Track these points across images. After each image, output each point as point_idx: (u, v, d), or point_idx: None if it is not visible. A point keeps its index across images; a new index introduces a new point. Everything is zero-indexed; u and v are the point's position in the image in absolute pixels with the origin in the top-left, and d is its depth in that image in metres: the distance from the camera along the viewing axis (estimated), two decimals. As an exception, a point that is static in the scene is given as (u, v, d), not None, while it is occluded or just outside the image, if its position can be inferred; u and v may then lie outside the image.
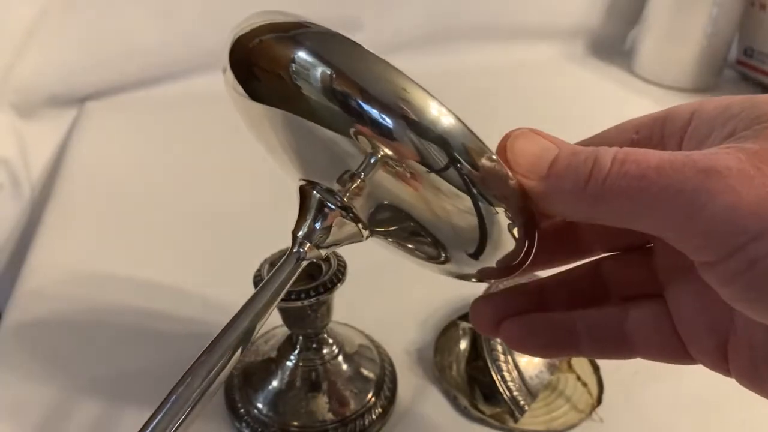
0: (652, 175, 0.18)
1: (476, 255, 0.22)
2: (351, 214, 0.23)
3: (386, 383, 0.36)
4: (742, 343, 0.22)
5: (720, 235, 0.17)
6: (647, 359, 0.25)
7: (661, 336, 0.24)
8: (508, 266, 0.22)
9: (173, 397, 0.21)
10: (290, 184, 0.24)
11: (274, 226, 0.50)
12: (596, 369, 0.38)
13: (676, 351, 0.24)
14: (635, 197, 0.18)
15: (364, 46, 0.19)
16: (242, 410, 0.35)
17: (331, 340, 0.35)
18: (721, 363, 0.23)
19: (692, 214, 0.17)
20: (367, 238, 0.24)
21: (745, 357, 0.22)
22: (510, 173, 0.20)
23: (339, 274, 0.32)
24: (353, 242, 0.24)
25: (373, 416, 0.34)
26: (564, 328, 0.25)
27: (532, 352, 0.27)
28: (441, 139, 0.19)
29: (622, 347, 0.25)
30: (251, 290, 0.32)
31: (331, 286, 0.31)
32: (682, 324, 0.24)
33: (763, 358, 0.21)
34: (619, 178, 0.18)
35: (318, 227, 0.23)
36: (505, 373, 0.35)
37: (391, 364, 0.38)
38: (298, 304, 0.31)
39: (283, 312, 0.33)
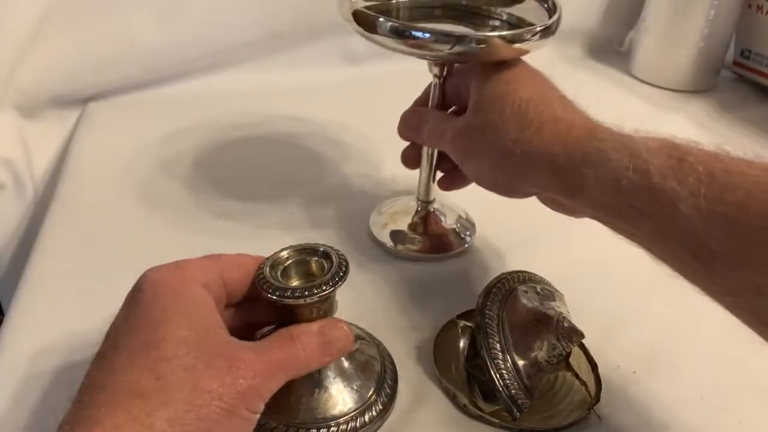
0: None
1: None
2: None
3: (387, 381, 0.36)
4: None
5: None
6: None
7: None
8: None
9: None
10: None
11: (275, 226, 0.51)
12: (594, 367, 0.38)
13: None
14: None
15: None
16: (244, 407, 0.35)
17: (332, 338, 0.36)
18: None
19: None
20: None
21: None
22: None
23: (341, 272, 0.32)
24: None
25: (374, 413, 0.35)
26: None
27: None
28: None
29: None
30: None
31: (333, 284, 0.31)
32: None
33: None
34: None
35: None
36: (504, 372, 0.35)
37: (392, 362, 0.38)
38: (301, 302, 0.31)
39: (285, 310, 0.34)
